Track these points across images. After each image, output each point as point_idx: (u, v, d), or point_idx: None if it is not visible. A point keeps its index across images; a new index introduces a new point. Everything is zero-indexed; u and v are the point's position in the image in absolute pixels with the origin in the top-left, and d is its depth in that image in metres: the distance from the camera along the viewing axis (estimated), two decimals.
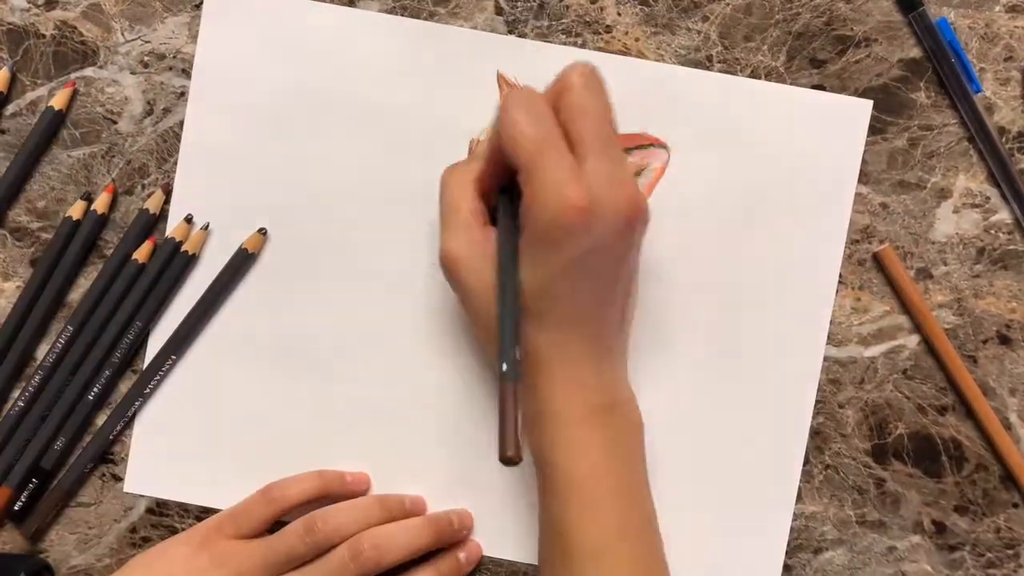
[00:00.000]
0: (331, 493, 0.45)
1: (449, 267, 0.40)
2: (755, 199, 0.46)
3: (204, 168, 0.46)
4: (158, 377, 0.46)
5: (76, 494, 0.47)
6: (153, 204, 0.46)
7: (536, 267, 0.37)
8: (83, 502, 0.47)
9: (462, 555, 0.45)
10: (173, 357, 0.46)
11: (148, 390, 0.46)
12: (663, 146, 0.46)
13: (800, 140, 0.46)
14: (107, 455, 0.47)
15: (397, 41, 0.46)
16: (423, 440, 0.46)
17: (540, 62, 0.46)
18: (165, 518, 0.47)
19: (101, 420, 0.46)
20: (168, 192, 0.46)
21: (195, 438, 0.47)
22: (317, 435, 0.46)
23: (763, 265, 0.46)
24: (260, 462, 0.46)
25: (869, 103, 0.46)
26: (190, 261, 0.46)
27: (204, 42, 0.46)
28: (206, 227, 0.46)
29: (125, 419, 0.46)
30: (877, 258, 0.46)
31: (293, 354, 0.46)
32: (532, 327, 0.38)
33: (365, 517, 0.44)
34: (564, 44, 0.46)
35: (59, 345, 0.46)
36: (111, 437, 0.46)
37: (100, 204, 0.46)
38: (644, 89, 0.46)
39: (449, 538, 0.45)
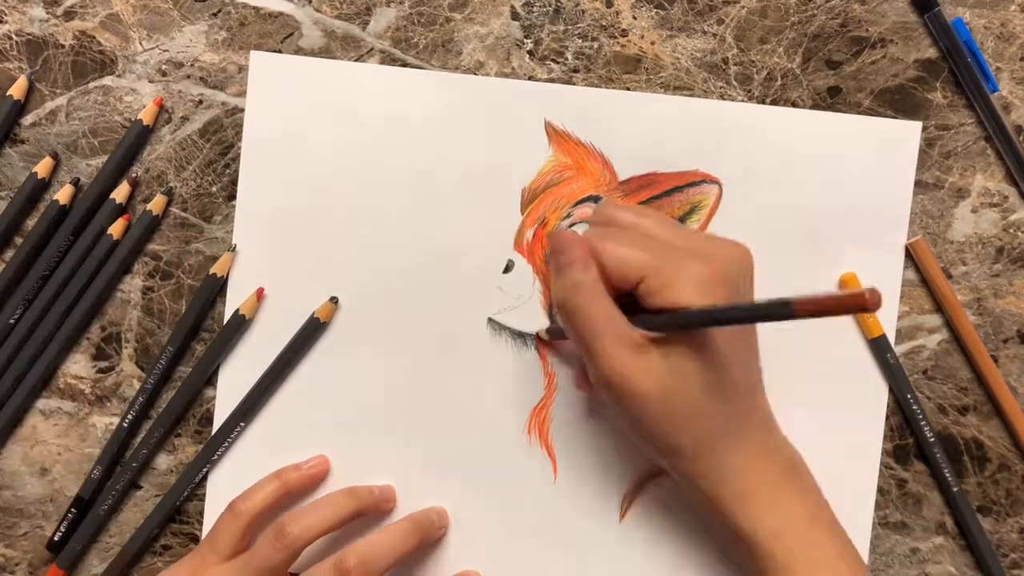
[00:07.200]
0: (293, 491, 0.44)
1: (622, 389, 0.37)
2: (809, 228, 0.46)
3: (260, 232, 0.46)
4: (227, 443, 0.46)
5: (142, 558, 0.47)
6: (120, 195, 0.46)
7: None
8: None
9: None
10: (242, 424, 0.46)
11: (216, 456, 0.46)
12: (715, 181, 0.46)
13: (851, 166, 0.46)
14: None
15: (435, 96, 0.46)
16: (499, 492, 0.46)
17: (579, 105, 0.46)
18: (185, 525, 0.47)
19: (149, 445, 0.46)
20: (134, 185, 0.46)
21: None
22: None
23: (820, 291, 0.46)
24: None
25: (918, 125, 0.46)
26: (244, 322, 0.46)
27: (252, 109, 0.46)
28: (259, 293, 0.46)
29: (193, 484, 0.46)
30: (909, 250, 0.46)
31: (357, 413, 0.46)
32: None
33: (335, 512, 0.43)
34: (586, 65, 0.46)
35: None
36: (178, 503, 0.46)
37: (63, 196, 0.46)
38: (693, 126, 0.46)
39: (433, 538, 0.45)
